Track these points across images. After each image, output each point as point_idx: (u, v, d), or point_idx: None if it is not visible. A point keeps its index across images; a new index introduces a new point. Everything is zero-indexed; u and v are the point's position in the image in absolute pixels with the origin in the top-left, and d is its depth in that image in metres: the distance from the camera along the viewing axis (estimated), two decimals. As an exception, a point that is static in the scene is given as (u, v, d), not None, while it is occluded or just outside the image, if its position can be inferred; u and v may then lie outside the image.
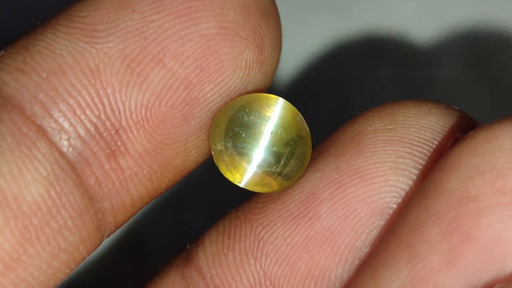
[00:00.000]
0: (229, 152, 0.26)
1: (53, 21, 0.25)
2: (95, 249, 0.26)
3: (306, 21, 0.46)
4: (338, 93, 0.45)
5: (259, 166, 0.26)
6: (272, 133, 0.26)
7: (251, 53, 0.26)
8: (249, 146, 0.26)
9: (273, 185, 0.26)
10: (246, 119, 0.26)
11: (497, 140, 0.22)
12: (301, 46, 0.45)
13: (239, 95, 0.26)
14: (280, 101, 0.26)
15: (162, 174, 0.26)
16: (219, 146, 0.26)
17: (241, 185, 0.26)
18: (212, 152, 0.26)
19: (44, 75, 0.24)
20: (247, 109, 0.26)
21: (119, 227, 0.26)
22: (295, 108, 0.26)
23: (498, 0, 0.45)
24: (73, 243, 0.25)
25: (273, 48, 0.27)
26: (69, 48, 0.24)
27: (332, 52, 0.45)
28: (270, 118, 0.26)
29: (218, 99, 0.26)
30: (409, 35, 0.45)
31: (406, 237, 0.23)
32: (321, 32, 0.45)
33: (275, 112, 0.26)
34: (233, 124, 0.26)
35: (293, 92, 0.45)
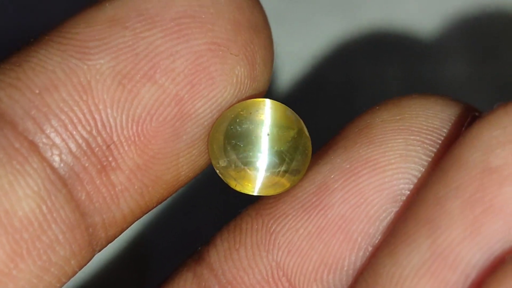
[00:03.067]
0: (233, 165, 0.26)
1: (46, 37, 0.25)
2: (87, 263, 0.26)
3: (309, 22, 0.45)
4: (343, 94, 0.45)
5: (266, 169, 0.26)
6: (268, 134, 0.26)
7: (242, 69, 0.26)
8: (251, 153, 0.26)
9: (284, 183, 0.26)
10: (240, 129, 0.26)
11: None
12: (305, 46, 0.45)
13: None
14: (267, 102, 0.26)
15: (154, 189, 0.26)
16: (222, 163, 0.26)
17: (254, 193, 0.26)
18: (217, 171, 0.26)
19: (37, 91, 0.24)
20: (238, 120, 0.26)
21: (110, 242, 0.26)
22: (283, 104, 0.27)
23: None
24: (64, 257, 0.25)
25: (265, 65, 0.27)
26: (62, 64, 0.25)
27: (336, 52, 0.45)
28: (262, 121, 0.26)
29: (210, 114, 0.26)
30: (414, 34, 0.45)
31: (426, 214, 0.23)
32: (325, 32, 0.45)
33: (266, 114, 0.26)
34: (229, 138, 0.26)
35: (297, 93, 0.45)
